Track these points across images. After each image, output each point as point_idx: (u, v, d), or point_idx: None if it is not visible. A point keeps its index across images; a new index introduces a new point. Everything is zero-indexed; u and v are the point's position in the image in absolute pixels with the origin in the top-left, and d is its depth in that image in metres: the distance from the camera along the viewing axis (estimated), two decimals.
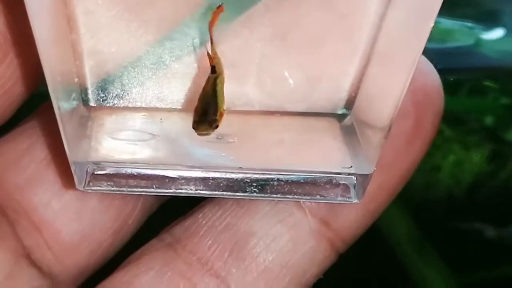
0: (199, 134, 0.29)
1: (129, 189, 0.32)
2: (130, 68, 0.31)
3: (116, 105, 0.32)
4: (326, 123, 0.33)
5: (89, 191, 0.32)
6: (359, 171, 0.32)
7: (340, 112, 0.33)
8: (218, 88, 0.30)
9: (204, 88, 0.30)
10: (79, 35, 0.30)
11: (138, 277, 0.33)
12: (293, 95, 0.32)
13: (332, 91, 0.32)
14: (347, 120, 0.33)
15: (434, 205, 0.58)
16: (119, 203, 0.34)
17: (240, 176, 0.32)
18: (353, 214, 0.33)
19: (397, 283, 0.55)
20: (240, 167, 0.32)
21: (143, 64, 0.31)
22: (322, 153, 0.33)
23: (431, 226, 0.56)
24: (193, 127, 0.29)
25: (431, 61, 0.32)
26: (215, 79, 0.30)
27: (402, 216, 0.55)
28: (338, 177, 0.32)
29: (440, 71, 0.33)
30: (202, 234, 0.34)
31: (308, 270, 0.34)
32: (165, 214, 0.36)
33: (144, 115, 0.33)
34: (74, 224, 0.33)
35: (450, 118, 0.57)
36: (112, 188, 0.32)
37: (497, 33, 0.57)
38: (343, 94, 0.32)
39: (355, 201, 0.32)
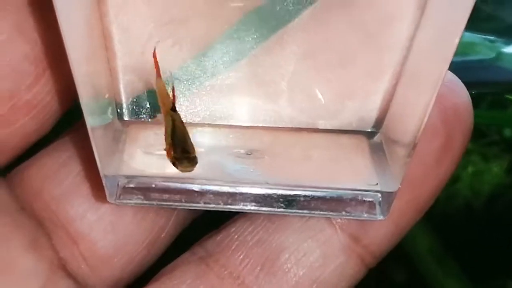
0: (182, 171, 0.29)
1: (158, 203, 0.32)
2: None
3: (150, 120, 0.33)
4: (355, 141, 0.33)
5: (120, 204, 0.33)
6: (385, 188, 0.32)
7: (370, 130, 0.33)
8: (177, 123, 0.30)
9: (169, 126, 0.30)
10: (115, 51, 0.30)
11: None
12: (324, 112, 0.33)
13: (363, 109, 0.33)
14: (376, 138, 0.33)
15: (453, 216, 0.58)
16: (153, 216, 0.35)
17: (267, 191, 0.32)
18: (383, 230, 0.34)
19: None
20: (267, 183, 0.32)
21: (177, 80, 0.32)
22: (349, 170, 0.33)
23: (451, 236, 0.56)
24: (174, 164, 0.29)
25: None
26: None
27: (422, 227, 0.55)
28: (364, 194, 0.32)
29: None
30: (234, 249, 0.34)
31: (338, 285, 0.34)
32: (198, 228, 0.36)
33: None
34: (109, 236, 0.34)
35: None
36: (142, 201, 0.32)
37: None
38: (373, 112, 0.33)
39: (380, 217, 0.32)
